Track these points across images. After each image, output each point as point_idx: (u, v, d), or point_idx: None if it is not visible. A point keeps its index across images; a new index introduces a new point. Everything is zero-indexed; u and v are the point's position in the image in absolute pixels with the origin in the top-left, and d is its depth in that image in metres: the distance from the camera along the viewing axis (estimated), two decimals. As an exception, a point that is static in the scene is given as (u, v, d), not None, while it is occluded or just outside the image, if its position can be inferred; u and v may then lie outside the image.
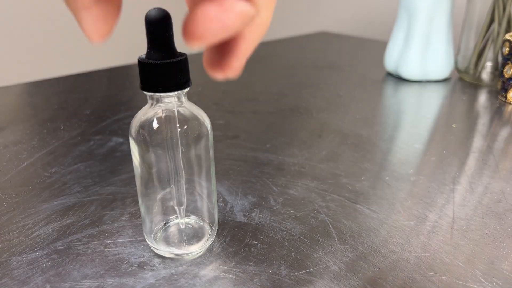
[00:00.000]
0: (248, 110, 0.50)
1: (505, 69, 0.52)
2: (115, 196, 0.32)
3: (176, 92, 0.22)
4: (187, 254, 0.25)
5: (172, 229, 0.27)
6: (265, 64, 0.73)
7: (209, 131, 0.24)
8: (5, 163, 0.37)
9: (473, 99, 0.54)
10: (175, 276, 0.24)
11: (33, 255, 0.25)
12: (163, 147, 0.23)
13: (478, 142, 0.41)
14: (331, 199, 0.31)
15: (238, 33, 0.14)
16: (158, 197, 0.25)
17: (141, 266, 0.24)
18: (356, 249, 0.26)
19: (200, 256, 0.25)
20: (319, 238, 0.27)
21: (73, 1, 0.15)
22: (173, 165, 0.24)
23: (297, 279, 0.23)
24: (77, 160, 0.37)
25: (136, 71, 0.68)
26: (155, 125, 0.23)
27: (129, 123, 0.46)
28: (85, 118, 0.48)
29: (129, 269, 0.24)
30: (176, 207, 0.26)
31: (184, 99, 0.23)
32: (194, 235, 0.26)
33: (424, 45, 0.59)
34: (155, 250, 0.25)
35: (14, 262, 0.25)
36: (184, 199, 0.26)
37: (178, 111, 0.23)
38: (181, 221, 0.27)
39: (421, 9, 0.58)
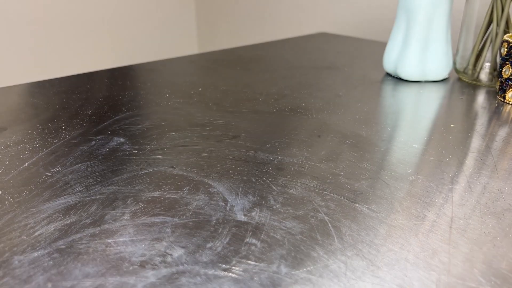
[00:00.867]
0: (248, 110, 0.50)
1: (504, 70, 0.52)
2: (117, 195, 0.32)
3: None
4: None
5: None
6: (265, 64, 0.73)
7: None
8: (6, 163, 0.37)
9: (471, 100, 0.55)
10: (176, 274, 0.24)
11: (35, 254, 0.26)
12: None
13: (476, 142, 0.42)
14: (330, 198, 0.31)
15: None
16: None
17: (142, 265, 0.25)
18: (355, 248, 0.26)
19: (200, 255, 0.25)
20: (319, 237, 0.27)
21: None
22: None
23: (296, 277, 0.24)
24: (79, 160, 0.38)
25: (137, 71, 0.68)
26: None
27: (130, 123, 0.46)
28: (86, 118, 0.48)
29: (130, 268, 0.24)
30: None
31: None
32: None
33: (423, 46, 0.59)
34: None
35: (16, 261, 0.25)
36: None
37: None
38: None
39: (420, 10, 0.58)
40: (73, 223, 0.29)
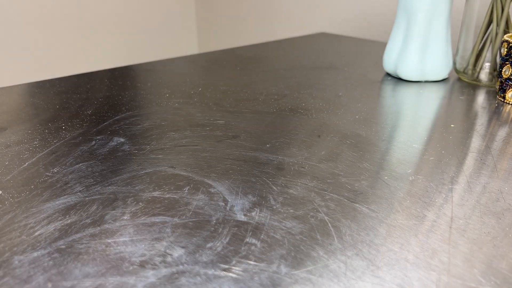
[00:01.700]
0: (248, 110, 0.50)
1: (504, 70, 0.52)
2: (117, 195, 0.32)
3: None
4: None
5: None
6: (265, 64, 0.73)
7: None
8: (7, 163, 0.37)
9: (471, 100, 0.55)
10: (176, 274, 0.24)
11: (35, 254, 0.26)
12: None
13: (476, 142, 0.42)
14: (330, 198, 0.31)
15: None
16: None
17: (142, 265, 0.25)
18: (355, 248, 0.26)
19: (200, 255, 0.25)
20: (319, 237, 0.27)
21: None
22: None
23: (296, 277, 0.24)
24: (79, 160, 0.38)
25: (137, 71, 0.68)
26: None
27: (130, 123, 0.46)
28: (86, 118, 0.48)
29: (130, 268, 0.24)
30: None
31: None
32: None
33: (423, 46, 0.59)
34: None
35: (16, 261, 0.25)
36: None
37: None
38: None
39: (420, 10, 0.58)
40: (73, 223, 0.29)
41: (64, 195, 0.32)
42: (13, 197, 0.32)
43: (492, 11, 0.56)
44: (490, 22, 0.57)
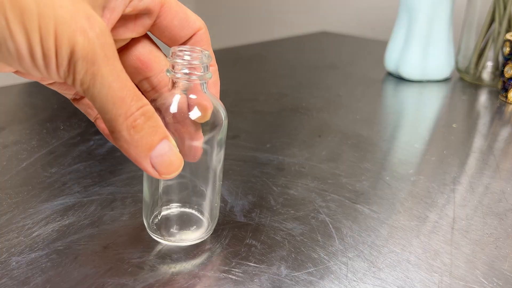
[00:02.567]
0: (248, 110, 0.50)
1: (506, 69, 0.52)
2: (115, 196, 0.32)
3: None
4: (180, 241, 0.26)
5: (169, 217, 0.27)
6: (265, 63, 0.73)
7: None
8: (4, 163, 0.37)
9: (473, 99, 0.54)
10: (175, 276, 0.24)
11: (33, 255, 0.25)
12: None
13: (478, 142, 0.41)
14: (331, 199, 0.31)
15: None
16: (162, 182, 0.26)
17: (141, 266, 0.24)
18: (356, 249, 0.26)
19: (200, 257, 0.25)
20: (319, 238, 0.27)
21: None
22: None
23: (297, 279, 0.23)
24: (77, 160, 0.37)
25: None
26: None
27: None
28: (85, 118, 0.48)
29: (129, 269, 0.24)
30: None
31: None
32: (190, 226, 0.27)
33: (425, 45, 0.59)
34: (152, 235, 0.26)
35: (14, 263, 0.25)
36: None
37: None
38: (181, 209, 0.27)
39: (422, 9, 0.58)
40: (71, 224, 0.28)
41: (62, 195, 0.32)
42: (11, 198, 0.32)
43: (494, 10, 0.56)
44: (492, 21, 0.57)
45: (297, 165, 0.36)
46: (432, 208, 0.30)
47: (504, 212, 0.30)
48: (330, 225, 0.28)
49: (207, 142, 0.24)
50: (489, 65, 0.58)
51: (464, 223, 0.28)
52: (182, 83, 0.23)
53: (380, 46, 0.82)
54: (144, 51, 0.24)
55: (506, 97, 0.52)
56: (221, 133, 0.24)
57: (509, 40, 0.51)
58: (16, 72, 0.20)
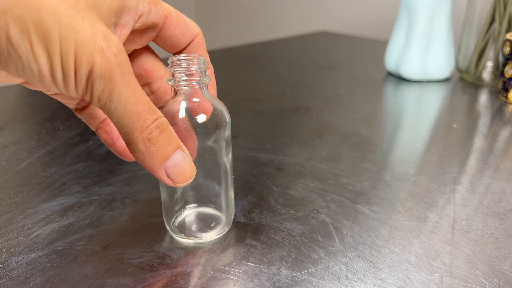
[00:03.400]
0: (248, 110, 0.50)
1: (506, 69, 0.52)
2: (115, 196, 0.32)
3: None
4: (203, 240, 0.26)
5: (189, 217, 0.28)
6: (265, 63, 0.73)
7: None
8: (4, 163, 0.37)
9: (473, 99, 0.54)
10: (175, 276, 0.24)
11: (32, 255, 0.25)
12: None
13: (479, 142, 0.41)
14: (331, 199, 0.31)
15: None
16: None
17: (141, 266, 0.24)
18: (356, 249, 0.26)
19: (200, 257, 0.25)
20: (320, 238, 0.27)
21: None
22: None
23: (297, 279, 0.23)
24: (76, 160, 0.37)
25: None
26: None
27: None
28: (84, 118, 0.48)
29: (129, 270, 0.24)
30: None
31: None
32: (211, 223, 0.28)
33: (425, 45, 0.59)
34: (175, 236, 0.27)
35: (13, 263, 0.25)
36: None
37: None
38: (198, 209, 0.28)
39: (422, 9, 0.57)
40: (70, 224, 0.28)
41: (62, 195, 0.32)
42: (10, 198, 0.32)
43: (494, 10, 0.56)
44: (492, 21, 0.57)
45: (297, 165, 0.36)
46: (432, 208, 0.30)
47: (504, 212, 0.29)
48: (330, 225, 0.28)
49: (215, 141, 0.25)
50: (489, 65, 0.58)
51: (465, 223, 0.28)
52: (184, 90, 0.24)
53: (380, 46, 0.82)
54: (146, 60, 0.25)
55: (506, 97, 0.52)
56: (227, 130, 0.26)
57: (509, 40, 0.51)
58: (24, 83, 0.21)
